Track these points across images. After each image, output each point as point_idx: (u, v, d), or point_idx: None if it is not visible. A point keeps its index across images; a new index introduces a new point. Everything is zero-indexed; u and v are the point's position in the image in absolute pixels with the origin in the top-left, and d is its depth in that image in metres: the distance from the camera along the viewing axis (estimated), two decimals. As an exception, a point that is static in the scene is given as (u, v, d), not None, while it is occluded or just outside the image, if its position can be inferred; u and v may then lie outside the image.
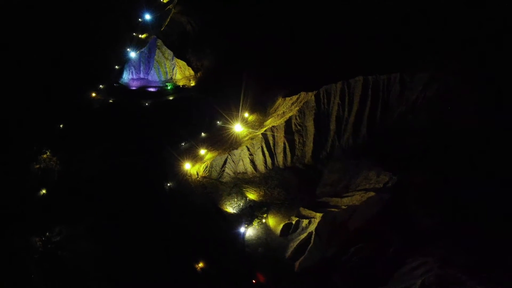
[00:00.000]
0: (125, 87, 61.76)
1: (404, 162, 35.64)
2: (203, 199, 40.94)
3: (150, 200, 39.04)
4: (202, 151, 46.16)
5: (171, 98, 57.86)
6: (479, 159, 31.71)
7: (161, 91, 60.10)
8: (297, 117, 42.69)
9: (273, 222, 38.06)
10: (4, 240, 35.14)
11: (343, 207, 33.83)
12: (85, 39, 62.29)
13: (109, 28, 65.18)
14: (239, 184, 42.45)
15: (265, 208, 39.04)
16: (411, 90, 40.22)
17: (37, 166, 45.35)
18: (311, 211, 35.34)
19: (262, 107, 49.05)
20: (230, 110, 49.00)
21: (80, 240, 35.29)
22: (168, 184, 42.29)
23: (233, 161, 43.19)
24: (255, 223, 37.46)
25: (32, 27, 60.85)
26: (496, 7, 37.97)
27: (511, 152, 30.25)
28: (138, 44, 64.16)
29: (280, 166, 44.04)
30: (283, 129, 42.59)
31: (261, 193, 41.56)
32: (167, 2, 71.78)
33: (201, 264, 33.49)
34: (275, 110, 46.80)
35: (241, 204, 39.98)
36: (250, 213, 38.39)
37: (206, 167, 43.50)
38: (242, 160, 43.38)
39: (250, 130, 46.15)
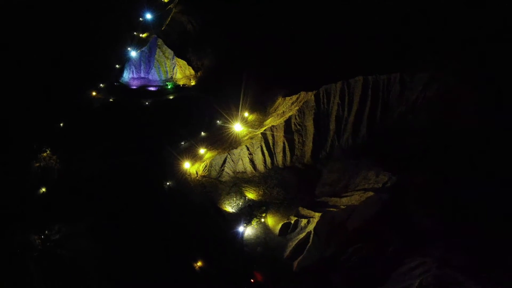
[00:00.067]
0: (126, 86, 61.94)
1: (404, 162, 35.56)
2: (202, 198, 40.94)
3: (150, 200, 39.03)
4: (202, 151, 46.19)
5: (171, 97, 57.98)
6: (479, 159, 31.60)
7: (162, 90, 60.23)
8: (297, 117, 42.68)
9: (272, 221, 38.01)
10: (4, 239, 35.18)
11: (342, 207, 33.77)
12: (86, 38, 62.56)
13: (109, 28, 65.43)
14: (238, 183, 42.44)
15: (264, 208, 39.00)
16: (411, 90, 40.15)
17: (37, 164, 45.50)
18: (310, 211, 35.28)
19: (262, 107, 49.09)
20: (230, 110, 49.05)
21: (80, 238, 35.27)
22: (168, 183, 42.31)
23: (232, 161, 43.19)
24: (254, 223, 37.42)
25: (32, 27, 61.15)
26: (496, 7, 37.90)
27: (511, 152, 30.13)
28: (139, 43, 64.38)
29: (280, 166, 44.01)
30: (283, 128, 42.58)
31: (260, 192, 41.53)
32: (168, 1, 72.05)
33: (199, 263, 33.46)
34: (275, 110, 46.82)
35: (240, 203, 39.96)
36: (249, 212, 38.36)
37: (206, 166, 43.52)
38: (242, 160, 43.38)
39: (250, 129, 46.17)
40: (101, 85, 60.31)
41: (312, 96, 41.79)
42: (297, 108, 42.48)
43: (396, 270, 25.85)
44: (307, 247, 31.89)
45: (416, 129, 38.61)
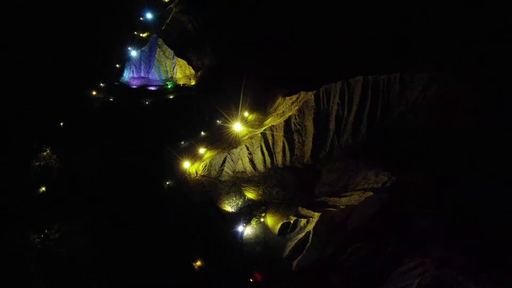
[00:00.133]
0: (126, 86, 62.03)
1: (404, 162, 35.49)
2: (202, 198, 40.93)
3: (149, 200, 39.02)
4: (202, 150, 46.19)
5: (171, 97, 58.05)
6: (479, 159, 31.53)
7: (162, 90, 60.29)
8: (297, 117, 42.66)
9: (271, 221, 37.96)
10: (4, 239, 35.17)
11: (342, 206, 33.72)
12: (86, 38, 62.70)
13: (110, 27, 65.56)
14: (238, 183, 42.41)
15: (264, 207, 38.96)
16: (411, 90, 40.11)
17: (37, 163, 45.55)
18: (309, 211, 35.22)
19: (262, 107, 49.08)
20: (230, 109, 49.05)
21: (79, 237, 35.29)
22: (167, 183, 42.30)
23: (232, 160, 43.17)
24: (253, 222, 37.37)
25: (32, 27, 61.29)
26: (496, 7, 37.87)
27: (511, 152, 30.06)
28: (139, 43, 64.50)
29: (279, 166, 43.97)
30: (283, 128, 42.56)
31: (259, 192, 41.48)
32: (168, 1, 72.15)
33: (199, 263, 33.41)
34: (275, 110, 46.81)
35: (240, 203, 39.92)
36: (248, 212, 38.30)
37: (205, 166, 43.51)
38: (241, 159, 43.36)
39: (250, 129, 46.15)
40: (101, 84, 60.42)
41: (312, 96, 41.77)
42: (297, 108, 42.46)
43: (396, 270, 25.76)
44: (306, 247, 31.83)
45: (416, 129, 38.54)
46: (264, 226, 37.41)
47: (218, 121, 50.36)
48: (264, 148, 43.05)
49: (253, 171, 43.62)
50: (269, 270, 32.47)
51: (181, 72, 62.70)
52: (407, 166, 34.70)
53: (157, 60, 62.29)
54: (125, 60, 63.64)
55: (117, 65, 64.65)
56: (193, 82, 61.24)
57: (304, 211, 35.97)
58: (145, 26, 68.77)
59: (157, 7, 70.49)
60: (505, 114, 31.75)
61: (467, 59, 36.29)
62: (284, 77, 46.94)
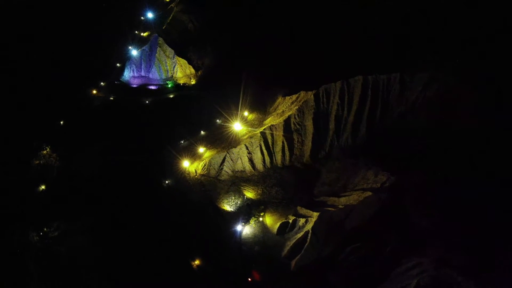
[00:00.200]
0: (126, 85, 62.13)
1: (404, 162, 35.40)
2: (201, 197, 40.89)
3: (149, 199, 38.98)
4: (201, 149, 46.19)
5: (171, 96, 58.10)
6: (479, 159, 31.41)
7: (162, 89, 60.36)
8: (296, 116, 42.62)
9: (270, 220, 37.89)
10: (3, 237, 35.18)
11: (340, 206, 33.65)
12: (87, 37, 62.86)
13: (110, 26, 65.74)
14: (237, 182, 42.38)
15: (263, 207, 38.91)
16: (411, 90, 40.03)
17: (37, 162, 45.61)
18: (308, 210, 35.16)
19: (262, 106, 49.03)
20: (229, 109, 49.04)
21: (79, 237, 35.26)
22: (167, 182, 42.29)
23: (231, 160, 43.14)
24: (252, 222, 37.32)
25: (32, 26, 61.48)
26: (496, 7, 37.78)
27: (511, 152, 29.94)
28: (140, 42, 64.64)
29: (279, 165, 43.92)
30: (282, 128, 42.53)
31: (259, 191, 41.44)
32: (169, 0, 72.33)
33: (197, 262, 33.35)
34: (275, 109, 46.78)
35: (239, 202, 39.89)
36: (247, 211, 38.27)
37: (205, 165, 43.51)
38: (241, 159, 43.33)
39: (250, 128, 46.12)
40: (101, 83, 60.54)
41: (312, 96, 41.73)
42: (296, 107, 42.42)
43: (394, 270, 25.66)
44: (305, 246, 31.76)
45: (415, 129, 38.45)
46: (263, 225, 37.35)
47: (218, 121, 50.36)
48: (263, 148, 43.02)
49: (253, 170, 43.58)
50: (268, 269, 32.43)
51: (182, 72, 62.79)
52: (407, 166, 34.60)
53: (158, 59, 62.39)
54: (125, 59, 63.80)
55: (118, 64, 64.81)
56: (193, 82, 61.31)
57: (303, 210, 35.90)
58: (146, 25, 68.95)
59: (158, 7, 70.70)
60: (505, 114, 31.65)
61: (467, 59, 36.22)
62: (284, 76, 46.92)
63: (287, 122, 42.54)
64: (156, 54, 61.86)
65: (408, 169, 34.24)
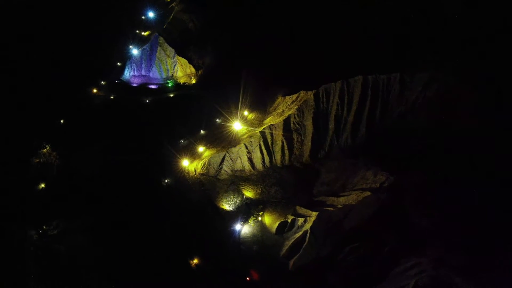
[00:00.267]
0: (126, 84, 62.17)
1: (404, 162, 35.34)
2: (200, 196, 40.86)
3: (149, 199, 38.94)
4: (201, 149, 46.20)
5: (171, 95, 58.13)
6: (479, 159, 31.32)
7: (162, 88, 60.37)
8: (296, 116, 42.58)
9: (269, 220, 37.82)
10: (3, 236, 35.17)
11: (339, 206, 33.54)
12: (87, 36, 63.01)
13: (111, 26, 65.91)
14: (236, 181, 42.34)
15: (261, 206, 38.85)
16: (411, 90, 39.99)
17: (37, 160, 45.65)
18: (307, 210, 35.09)
19: (262, 106, 48.99)
20: (229, 108, 49.05)
21: (78, 235, 35.22)
22: (166, 181, 42.29)
23: (231, 159, 43.12)
24: (251, 221, 37.25)
25: (32, 24, 61.62)
26: (496, 7, 37.74)
27: (511, 152, 29.83)
28: (141, 41, 64.76)
29: (278, 165, 43.87)
30: (282, 127, 42.48)
31: (258, 191, 41.38)
32: (170, 0, 72.50)
33: (195, 261, 33.29)
34: (275, 109, 46.75)
35: (238, 201, 39.83)
36: (246, 210, 38.21)
37: (204, 164, 43.51)
38: (240, 158, 43.29)
39: (249, 128, 46.09)
40: (102, 82, 60.64)
41: (312, 95, 41.70)
42: (296, 107, 42.38)
43: (393, 270, 25.55)
44: (304, 246, 31.68)
45: (415, 129, 38.39)
46: (262, 225, 37.28)
47: (217, 120, 50.36)
48: (263, 147, 42.98)
49: (252, 170, 43.54)
50: (266, 269, 32.36)
51: (182, 71, 62.85)
52: (407, 166, 34.53)
53: (158, 59, 62.49)
54: (126, 58, 63.94)
55: (118, 63, 64.92)
56: (193, 81, 61.35)
57: (302, 210, 35.83)
58: (146, 24, 69.12)
59: (159, 6, 70.85)
60: (505, 114, 31.60)
61: (467, 59, 36.17)
62: (284, 76, 46.92)
63: (286, 121, 42.51)
64: (157, 53, 61.96)
65: (408, 169, 34.18)
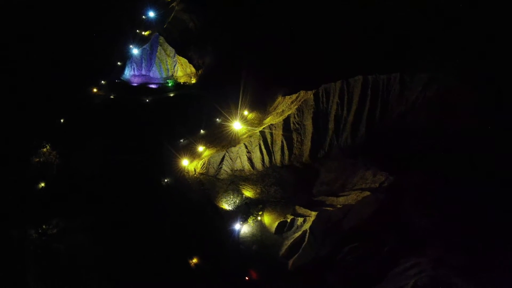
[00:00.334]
0: (127, 83, 62.22)
1: (404, 162, 35.27)
2: (200, 196, 40.81)
3: (149, 198, 38.90)
4: (201, 148, 46.19)
5: (171, 95, 58.15)
6: (479, 159, 31.25)
7: (162, 88, 60.40)
8: (296, 116, 42.57)
9: (268, 219, 37.77)
10: (3, 235, 35.14)
11: (339, 206, 33.47)
12: (88, 36, 63.09)
13: (112, 25, 65.99)
14: (236, 181, 42.31)
15: (261, 206, 38.78)
16: (411, 90, 39.99)
17: (37, 159, 45.66)
18: (306, 210, 35.04)
19: (262, 105, 48.99)
20: (229, 108, 49.04)
21: (78, 234, 35.18)
22: (166, 180, 42.27)
23: (230, 159, 43.09)
24: (250, 221, 37.20)
25: (33, 23, 61.65)
26: (496, 7, 37.70)
27: (511, 152, 29.76)
28: (141, 41, 64.84)
29: (278, 164, 43.84)
30: (282, 127, 42.47)
31: (257, 190, 41.34)
32: (171, 0, 72.62)
33: (195, 260, 33.23)
34: (275, 109, 46.75)
35: (237, 201, 39.78)
36: (245, 210, 38.16)
37: (204, 164, 43.49)
38: (240, 158, 43.27)
39: (249, 128, 46.07)
40: (102, 81, 60.72)
41: (311, 95, 41.69)
42: (296, 107, 42.37)
43: (392, 270, 25.47)
44: (303, 245, 31.63)
45: (415, 129, 38.33)
46: (261, 224, 37.23)
47: (217, 120, 50.36)
48: (262, 147, 42.95)
49: (252, 169, 43.51)
50: (265, 268, 32.30)
51: (182, 70, 62.89)
52: (407, 166, 34.47)
53: (158, 58, 62.55)
54: (126, 57, 64.03)
55: (119, 63, 65.02)
56: (193, 81, 61.37)
57: (301, 210, 35.78)
58: (147, 24, 69.20)
59: (159, 6, 70.98)
60: (505, 114, 31.54)
61: (467, 59, 36.13)
62: (284, 76, 46.93)
63: (286, 121, 42.49)
64: (157, 53, 62.03)
65: (407, 169, 34.10)
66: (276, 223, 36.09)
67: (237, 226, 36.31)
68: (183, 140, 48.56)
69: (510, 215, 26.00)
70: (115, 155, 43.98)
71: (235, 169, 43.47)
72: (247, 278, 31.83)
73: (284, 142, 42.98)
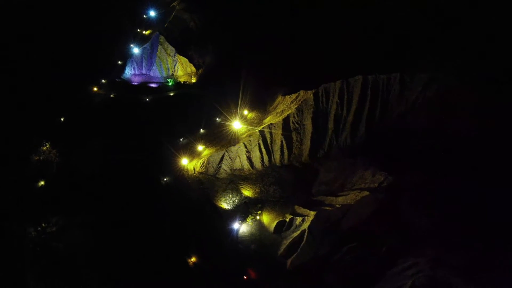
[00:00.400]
0: (127, 82, 62.42)
1: (404, 162, 35.16)
2: (199, 195, 40.78)
3: (149, 198, 38.89)
4: (200, 147, 46.20)
5: (171, 94, 58.24)
6: (479, 159, 31.12)
7: (162, 87, 60.52)
8: (295, 115, 42.53)
9: (267, 219, 37.72)
10: (2, 234, 35.15)
11: (338, 206, 33.39)
12: (89, 35, 63.23)
13: (112, 25, 66.17)
14: (235, 180, 42.28)
15: (260, 205, 38.74)
16: (411, 90, 39.91)
17: (37, 158, 45.73)
18: (305, 209, 34.96)
19: (261, 105, 48.99)
20: (229, 107, 49.05)
21: (77, 233, 35.16)
22: (165, 179, 42.26)
23: (230, 158, 43.06)
24: (249, 220, 37.15)
25: (32, 26, 61.84)
26: (496, 7, 37.66)
27: (511, 152, 29.64)
28: (142, 40, 65.02)
29: (277, 164, 43.78)
30: (281, 127, 42.45)
31: (256, 190, 41.29)
32: (172, -1, 72.80)
33: (193, 259, 33.18)
34: (275, 108, 46.74)
35: (236, 200, 39.75)
36: (244, 209, 38.13)
37: (203, 163, 43.48)
38: (239, 157, 43.24)
39: (249, 127, 46.06)
40: (103, 80, 60.89)
41: (311, 95, 41.66)
42: (296, 106, 42.34)
43: (390, 270, 25.36)
44: (301, 245, 31.56)
45: (415, 129, 38.24)
46: (260, 224, 37.17)
47: (217, 119, 50.38)
48: (262, 146, 42.92)
49: (251, 169, 43.47)
50: (264, 268, 32.26)
51: (182, 70, 62.98)
52: (407, 166, 34.35)
53: (159, 57, 62.66)
54: (127, 57, 64.20)
55: (119, 62, 65.23)
56: (194, 80, 61.45)
57: (300, 209, 35.70)
58: (148, 23, 69.44)
59: (160, 5, 71.20)
60: (505, 114, 31.40)
61: (467, 59, 36.07)
62: (284, 76, 46.94)
63: (286, 121, 42.46)
64: (157, 52, 62.13)
65: (407, 169, 33.98)
66: (275, 223, 36.03)
67: (236, 225, 36.26)
68: (183, 139, 48.60)
69: (510, 215, 25.86)
70: (115, 154, 44.03)
71: (235, 168, 43.44)
72: (245, 277, 31.77)
73: (284, 141, 42.94)
